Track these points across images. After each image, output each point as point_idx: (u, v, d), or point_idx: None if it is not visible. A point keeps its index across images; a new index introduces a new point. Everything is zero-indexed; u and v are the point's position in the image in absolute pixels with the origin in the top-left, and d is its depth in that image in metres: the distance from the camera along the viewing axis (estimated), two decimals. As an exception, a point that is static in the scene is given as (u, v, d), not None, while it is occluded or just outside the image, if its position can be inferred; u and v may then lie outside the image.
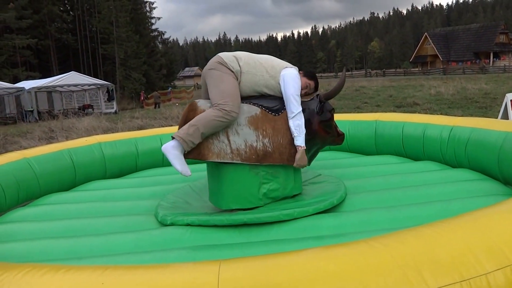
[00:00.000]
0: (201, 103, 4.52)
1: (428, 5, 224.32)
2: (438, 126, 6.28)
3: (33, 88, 33.56)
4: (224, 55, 4.62)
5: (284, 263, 2.33)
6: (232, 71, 4.52)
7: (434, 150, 6.26)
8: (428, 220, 2.93)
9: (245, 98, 4.63)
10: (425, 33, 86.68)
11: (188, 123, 4.33)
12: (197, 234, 3.96)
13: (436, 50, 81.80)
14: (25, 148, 8.77)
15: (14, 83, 37.67)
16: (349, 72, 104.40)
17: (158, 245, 3.82)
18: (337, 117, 7.71)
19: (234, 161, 4.39)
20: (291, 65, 4.76)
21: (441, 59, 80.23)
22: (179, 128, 4.39)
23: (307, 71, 4.91)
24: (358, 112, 13.82)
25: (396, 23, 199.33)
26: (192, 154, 4.40)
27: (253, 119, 4.51)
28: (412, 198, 4.62)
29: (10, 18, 48.02)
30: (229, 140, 4.41)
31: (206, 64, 4.74)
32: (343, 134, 5.12)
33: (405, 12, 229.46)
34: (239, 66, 4.55)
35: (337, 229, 3.98)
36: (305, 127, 4.58)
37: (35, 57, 54.68)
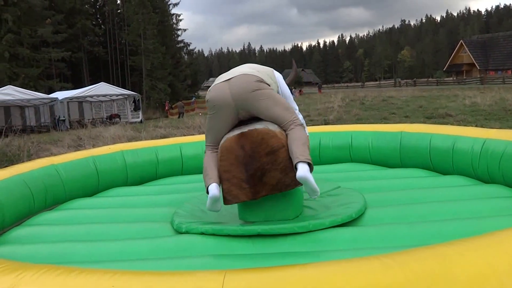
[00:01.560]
0: (274, 127, 4.09)
1: (464, 11, 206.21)
2: (470, 138, 5.71)
3: (66, 98, 34.02)
4: (254, 71, 4.30)
5: (288, 276, 2.20)
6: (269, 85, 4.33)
7: (465, 164, 5.67)
8: (453, 238, 2.66)
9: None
10: (461, 41, 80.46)
11: (303, 143, 3.99)
12: (210, 243, 3.85)
13: (472, 58, 74.74)
14: (55, 155, 8.87)
15: (49, 94, 38.15)
16: (377, 82, 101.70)
17: (172, 252, 3.77)
18: (360, 127, 7.59)
19: None
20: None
21: (478, 68, 73.63)
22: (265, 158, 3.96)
23: None
24: (385, 123, 13.28)
25: (429, 31, 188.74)
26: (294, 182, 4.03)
27: None
28: (438, 214, 4.21)
29: (47, 33, 48.72)
30: None
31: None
32: None
33: (439, 19, 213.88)
34: (266, 79, 4.34)
35: (354, 244, 3.69)
36: None
37: (69, 69, 55.34)
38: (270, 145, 3.96)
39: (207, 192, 4.05)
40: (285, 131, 4.14)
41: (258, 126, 4.04)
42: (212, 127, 4.32)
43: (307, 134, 4.31)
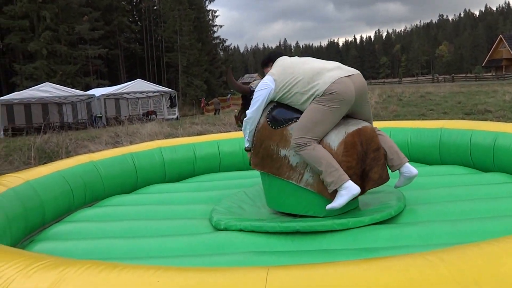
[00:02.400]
0: (371, 126, 4.26)
1: (504, 5, 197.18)
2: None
3: (103, 95, 34.32)
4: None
5: (333, 273, 2.18)
6: None
7: (506, 161, 5.54)
8: (496, 237, 2.59)
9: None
10: (500, 35, 77.59)
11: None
12: (249, 240, 3.86)
13: None
14: (92, 151, 8.99)
15: (86, 91, 38.63)
16: (414, 78, 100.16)
17: (211, 249, 3.79)
18: (399, 124, 7.49)
19: None
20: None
21: None
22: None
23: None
24: (423, 120, 13.04)
25: (467, 25, 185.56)
26: None
27: None
28: (479, 212, 4.14)
29: (84, 30, 49.30)
30: None
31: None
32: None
33: (477, 14, 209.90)
34: None
35: (394, 242, 3.66)
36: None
37: (105, 65, 55.91)
38: (376, 142, 4.14)
39: (336, 189, 3.94)
40: None
41: (364, 123, 4.18)
42: (327, 120, 4.09)
43: None
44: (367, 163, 4.09)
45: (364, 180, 4.10)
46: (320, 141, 4.09)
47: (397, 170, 4.34)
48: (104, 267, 2.32)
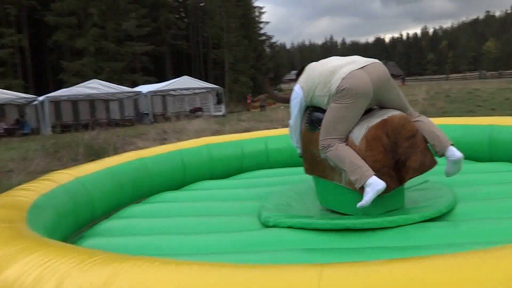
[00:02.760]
0: (401, 112, 4.17)
1: None
2: None
3: (150, 92, 34.68)
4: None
5: (390, 271, 2.12)
6: None
7: None
8: None
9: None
10: None
11: (439, 129, 4.29)
12: (299, 237, 3.85)
13: None
14: (140, 148, 9.11)
15: (133, 87, 39.10)
16: (461, 74, 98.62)
17: (261, 246, 3.80)
18: (447, 121, 7.36)
19: None
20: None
21: None
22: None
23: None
24: (471, 116, 12.84)
25: None
26: None
27: None
28: None
29: (131, 27, 49.79)
30: None
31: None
32: None
33: None
34: None
35: (445, 239, 3.57)
36: None
37: (152, 62, 56.38)
38: (409, 129, 4.06)
39: (363, 186, 3.90)
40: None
41: (393, 112, 4.10)
42: (346, 117, 4.06)
43: None
44: (401, 152, 4.02)
45: (400, 171, 4.04)
46: (346, 139, 4.08)
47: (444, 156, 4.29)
48: (158, 263, 2.34)
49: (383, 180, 3.87)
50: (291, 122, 4.61)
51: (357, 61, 4.18)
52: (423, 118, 4.33)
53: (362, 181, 3.87)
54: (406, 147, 4.03)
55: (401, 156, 4.02)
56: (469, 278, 1.99)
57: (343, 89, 3.97)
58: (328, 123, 4.10)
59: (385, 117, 4.01)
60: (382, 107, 4.24)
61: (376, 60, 4.22)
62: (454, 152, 4.20)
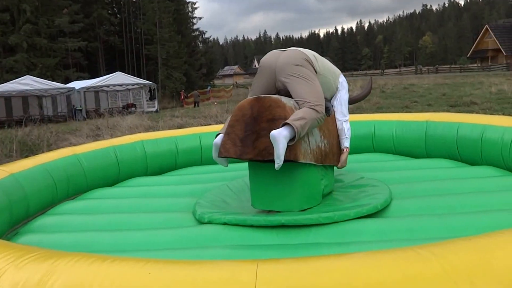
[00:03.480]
0: (285, 100, 4.11)
1: None
2: (500, 127, 5.47)
3: (82, 88, 34.21)
4: (309, 53, 4.43)
5: (325, 267, 2.18)
6: (315, 72, 4.35)
7: (494, 154, 5.44)
8: (485, 231, 2.60)
9: None
10: (486, 25, 75.87)
11: (300, 116, 3.90)
12: (234, 234, 3.83)
13: (498, 44, 69.91)
14: (74, 144, 8.96)
15: (65, 84, 38.39)
16: (397, 69, 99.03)
17: (196, 242, 3.77)
18: (383, 117, 7.41)
19: (311, 162, 4.19)
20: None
21: (505, 54, 68.60)
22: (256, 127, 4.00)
23: None
24: (407, 112, 12.86)
25: (452, 16, 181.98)
26: (291, 155, 3.96)
27: None
28: (467, 206, 4.07)
29: (64, 23, 48.86)
30: (309, 140, 4.20)
31: (246, 62, 4.70)
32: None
33: (462, 3, 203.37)
34: (318, 67, 4.40)
35: (380, 236, 3.62)
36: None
37: (85, 58, 55.43)
38: (273, 113, 3.97)
39: None
40: None
41: (274, 96, 4.12)
42: (253, 86, 4.56)
43: (346, 130, 4.76)
44: (255, 130, 4.01)
45: (247, 146, 4.03)
46: None
47: None
48: (94, 259, 2.34)
49: (227, 143, 4.10)
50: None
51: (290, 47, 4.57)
52: (305, 107, 4.07)
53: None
54: (262, 128, 3.98)
55: (253, 134, 4.02)
56: (408, 274, 2.06)
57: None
58: None
59: (266, 96, 4.11)
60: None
61: (295, 48, 4.48)
62: (277, 129, 3.81)
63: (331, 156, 4.46)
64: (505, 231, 2.41)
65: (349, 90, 4.81)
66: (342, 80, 4.80)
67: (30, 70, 43.23)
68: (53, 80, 40.06)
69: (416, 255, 2.17)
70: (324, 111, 4.21)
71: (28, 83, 31.44)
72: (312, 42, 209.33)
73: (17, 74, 38.62)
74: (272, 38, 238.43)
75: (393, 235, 3.61)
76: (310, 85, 4.21)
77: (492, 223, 3.55)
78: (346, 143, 4.75)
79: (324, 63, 4.56)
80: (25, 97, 34.86)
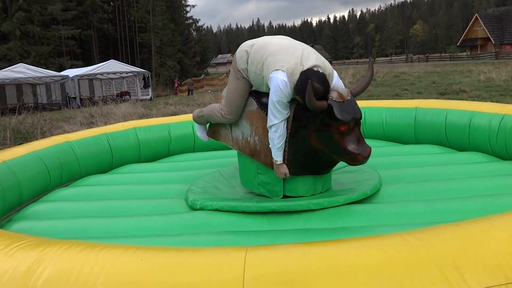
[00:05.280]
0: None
1: None
2: (487, 114, 5.57)
3: (76, 76, 33.96)
4: (239, 51, 4.16)
5: (312, 253, 2.18)
6: (240, 71, 4.12)
7: (482, 140, 5.54)
8: (472, 216, 2.63)
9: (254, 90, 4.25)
10: (476, 14, 75.41)
11: (205, 108, 4.73)
12: (225, 220, 3.86)
13: (487, 33, 69.80)
14: (68, 132, 8.91)
15: (59, 72, 38.18)
16: (388, 58, 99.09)
17: (187, 228, 3.79)
18: (373, 103, 7.44)
19: (233, 148, 4.44)
20: (300, 60, 3.78)
21: (493, 42, 68.81)
22: None
23: (318, 74, 3.68)
24: (397, 100, 13.01)
25: (442, 4, 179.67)
26: (209, 132, 4.86)
27: (251, 114, 4.22)
28: (454, 191, 4.13)
29: (57, 10, 48.52)
30: (230, 129, 4.44)
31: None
32: (362, 156, 3.73)
33: None
34: (247, 63, 4.04)
35: (369, 221, 3.66)
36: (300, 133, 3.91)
37: (79, 46, 55.11)
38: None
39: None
40: None
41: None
42: None
43: (273, 139, 3.88)
44: None
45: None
46: None
47: None
48: (84, 247, 2.33)
49: None
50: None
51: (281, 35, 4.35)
52: (215, 105, 4.58)
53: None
54: None
55: None
56: (394, 259, 2.06)
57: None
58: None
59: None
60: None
61: (249, 41, 4.26)
62: None
63: (263, 156, 4.15)
64: (491, 217, 2.41)
65: (340, 78, 4.29)
66: (270, 76, 3.78)
67: (24, 58, 42.96)
68: (47, 68, 39.79)
69: (403, 241, 2.18)
70: (227, 116, 4.32)
71: (21, 71, 31.17)
72: (305, 30, 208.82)
73: (11, 62, 38.37)
74: (265, 26, 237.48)
75: (382, 221, 3.64)
76: (227, 87, 4.36)
77: (478, 208, 3.61)
78: (274, 155, 3.94)
79: (258, 55, 3.95)
80: (19, 85, 34.62)
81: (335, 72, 4.02)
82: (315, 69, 3.75)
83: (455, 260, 2.02)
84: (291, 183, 4.20)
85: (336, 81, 4.00)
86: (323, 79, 3.70)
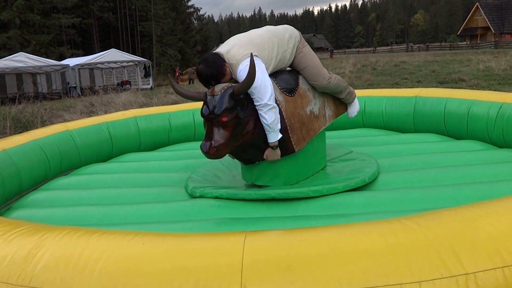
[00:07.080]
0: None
1: None
2: (486, 102, 5.61)
3: (77, 65, 33.96)
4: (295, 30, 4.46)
5: (310, 238, 2.19)
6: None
7: (480, 129, 5.60)
8: (468, 202, 2.63)
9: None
10: (476, 3, 73.57)
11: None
12: (225, 207, 3.88)
13: (488, 22, 69.75)
14: (68, 121, 8.94)
15: (60, 61, 38.12)
16: (389, 47, 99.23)
17: (187, 216, 3.81)
18: (373, 92, 7.51)
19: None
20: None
21: (493, 32, 68.68)
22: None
23: (207, 58, 3.96)
24: (397, 88, 13.04)
25: None
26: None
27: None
28: (452, 178, 4.16)
29: (57, -1, 48.46)
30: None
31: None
32: (202, 150, 3.67)
33: None
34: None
35: (368, 208, 3.69)
36: None
37: (79, 35, 55.05)
38: None
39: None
40: None
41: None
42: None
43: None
44: None
45: None
46: None
47: None
48: (83, 233, 2.35)
49: None
50: (269, 102, 3.73)
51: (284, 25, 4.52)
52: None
53: (354, 95, 4.96)
54: None
55: None
56: (393, 244, 2.08)
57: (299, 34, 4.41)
58: (317, 64, 4.43)
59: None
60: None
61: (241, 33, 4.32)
62: None
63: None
64: (489, 202, 2.43)
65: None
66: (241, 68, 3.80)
67: (24, 47, 42.88)
68: (47, 57, 39.73)
69: (402, 226, 2.20)
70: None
71: (21, 60, 31.13)
72: (306, 19, 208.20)
73: (11, 51, 38.29)
74: (267, 15, 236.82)
75: (380, 207, 3.68)
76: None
77: (475, 194, 3.63)
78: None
79: (236, 48, 3.94)
80: (19, 74, 34.66)
81: (242, 65, 3.82)
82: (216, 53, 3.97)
83: (453, 244, 2.04)
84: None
85: (241, 73, 3.81)
86: (209, 64, 3.88)
